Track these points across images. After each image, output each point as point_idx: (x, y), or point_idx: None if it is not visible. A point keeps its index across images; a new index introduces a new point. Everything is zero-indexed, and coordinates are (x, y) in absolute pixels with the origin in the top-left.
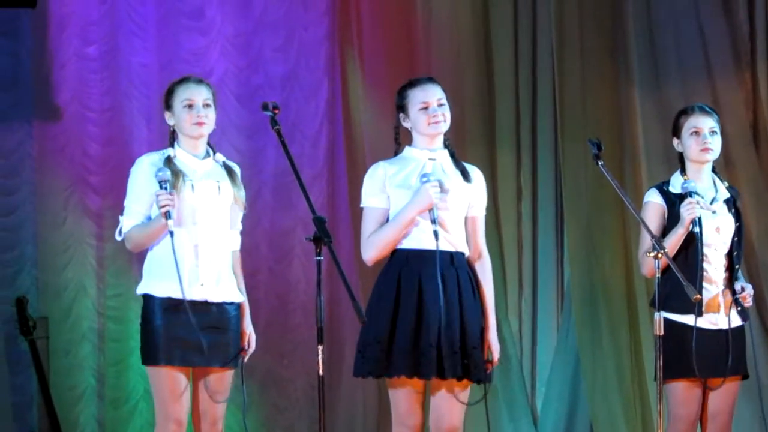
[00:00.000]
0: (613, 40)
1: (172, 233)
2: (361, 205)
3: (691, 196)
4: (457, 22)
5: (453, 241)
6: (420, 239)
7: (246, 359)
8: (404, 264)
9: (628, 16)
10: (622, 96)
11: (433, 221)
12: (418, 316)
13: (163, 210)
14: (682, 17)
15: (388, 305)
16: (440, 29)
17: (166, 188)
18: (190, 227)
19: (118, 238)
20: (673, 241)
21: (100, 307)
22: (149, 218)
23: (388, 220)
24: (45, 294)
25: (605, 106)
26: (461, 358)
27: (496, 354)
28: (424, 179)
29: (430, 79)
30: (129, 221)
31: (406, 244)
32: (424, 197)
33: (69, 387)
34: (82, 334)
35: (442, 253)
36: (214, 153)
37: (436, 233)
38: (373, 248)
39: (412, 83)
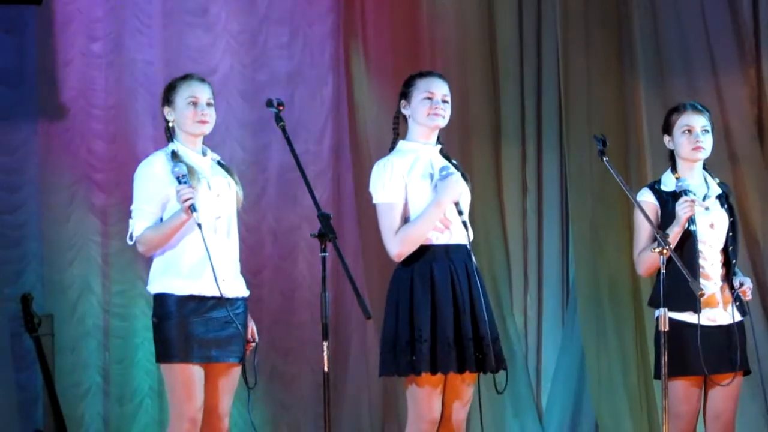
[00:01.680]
0: (618, 35)
1: (200, 225)
2: (375, 202)
3: (686, 194)
4: (462, 16)
5: (470, 235)
6: (447, 234)
7: (248, 352)
8: (433, 259)
9: (632, 11)
10: (627, 91)
11: (460, 212)
12: (455, 310)
13: (187, 204)
14: (686, 13)
15: (424, 301)
16: (445, 24)
17: (186, 182)
18: (211, 223)
19: (130, 242)
20: (669, 239)
21: (105, 304)
22: (161, 220)
23: (407, 213)
24: (50, 291)
25: (610, 102)
26: (492, 350)
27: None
28: (444, 172)
29: (440, 75)
30: (141, 223)
31: (432, 239)
32: (454, 189)
33: (74, 384)
34: (87, 331)
35: (466, 246)
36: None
37: (465, 224)
38: (404, 243)
39: (422, 74)
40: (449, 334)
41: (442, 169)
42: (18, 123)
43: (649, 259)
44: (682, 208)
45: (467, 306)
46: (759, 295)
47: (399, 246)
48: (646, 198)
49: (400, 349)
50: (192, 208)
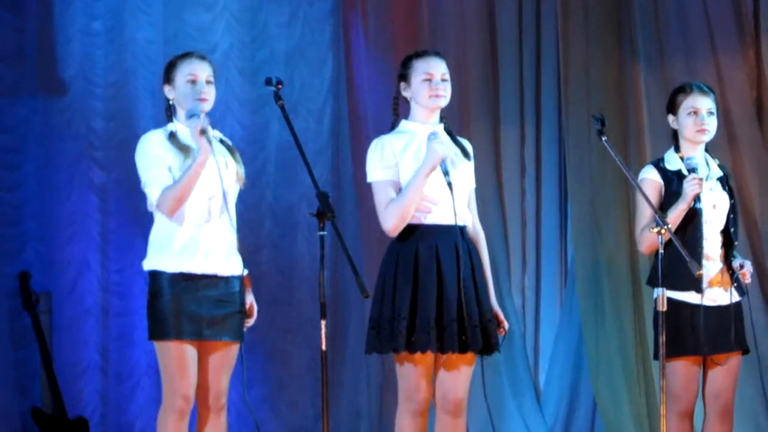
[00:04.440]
0: (617, 16)
1: (210, 142)
2: (369, 181)
3: (694, 172)
4: None
5: (463, 215)
6: (435, 214)
7: (245, 329)
8: (420, 239)
9: None
10: (626, 72)
11: (446, 173)
12: (438, 290)
13: (199, 128)
14: None
15: (406, 280)
16: (444, 4)
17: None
18: (204, 201)
19: (152, 208)
20: (674, 216)
21: (104, 282)
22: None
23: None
24: (49, 268)
25: (609, 83)
26: (480, 331)
27: (506, 321)
28: (432, 137)
29: (437, 53)
30: (157, 186)
31: (420, 219)
32: (435, 149)
33: (72, 362)
34: (85, 309)
35: (456, 226)
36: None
37: (450, 184)
38: (393, 217)
39: (419, 54)
40: (430, 313)
41: (431, 135)
42: (18, 101)
43: (650, 236)
44: (690, 185)
45: (453, 287)
46: (757, 276)
47: (388, 220)
48: (651, 175)
49: (381, 328)
50: (203, 132)
